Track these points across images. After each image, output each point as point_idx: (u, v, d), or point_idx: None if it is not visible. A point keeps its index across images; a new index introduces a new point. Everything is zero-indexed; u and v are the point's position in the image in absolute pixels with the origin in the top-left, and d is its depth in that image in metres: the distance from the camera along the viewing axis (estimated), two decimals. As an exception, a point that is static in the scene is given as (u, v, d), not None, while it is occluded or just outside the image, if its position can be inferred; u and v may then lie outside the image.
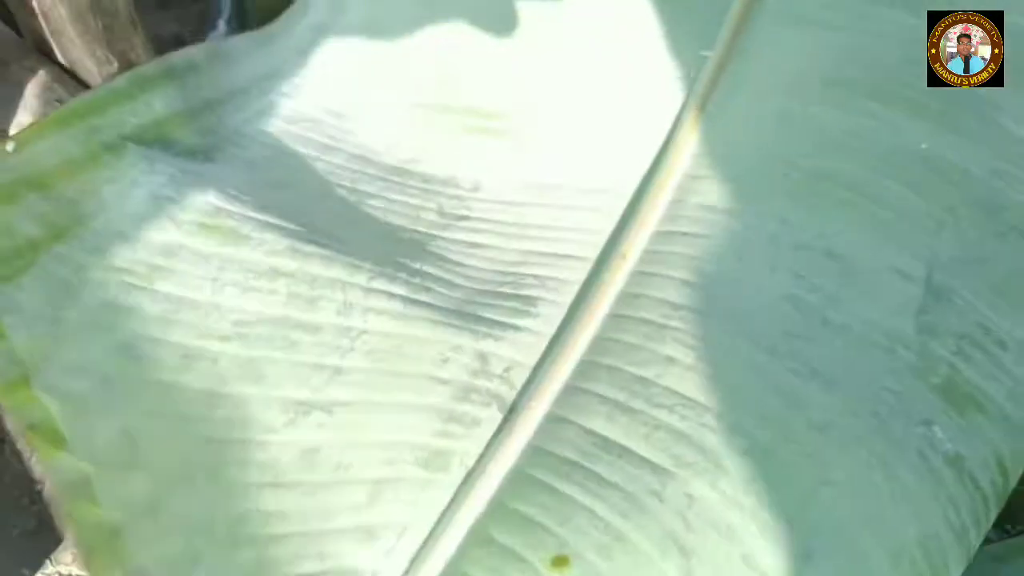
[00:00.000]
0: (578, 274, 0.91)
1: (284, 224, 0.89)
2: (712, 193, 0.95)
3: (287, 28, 1.16)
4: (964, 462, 0.78)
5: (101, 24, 0.89)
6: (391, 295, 0.85)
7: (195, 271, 0.83)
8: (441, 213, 0.99)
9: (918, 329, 0.85)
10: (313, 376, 0.79)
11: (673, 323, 0.85)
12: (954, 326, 0.85)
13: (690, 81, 1.04)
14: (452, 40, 1.12)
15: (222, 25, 1.22)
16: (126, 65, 0.94)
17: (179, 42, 1.63)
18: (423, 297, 0.86)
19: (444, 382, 0.80)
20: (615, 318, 0.86)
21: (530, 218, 0.99)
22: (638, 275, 0.89)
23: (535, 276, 0.92)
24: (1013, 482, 0.81)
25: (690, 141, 0.98)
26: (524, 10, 1.12)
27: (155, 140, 0.94)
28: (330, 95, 1.11)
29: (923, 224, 0.92)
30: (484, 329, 0.85)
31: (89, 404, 0.70)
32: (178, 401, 0.74)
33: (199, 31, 1.64)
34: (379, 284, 0.86)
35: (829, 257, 0.89)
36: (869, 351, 0.83)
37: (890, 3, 1.06)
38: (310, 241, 0.88)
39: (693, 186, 0.95)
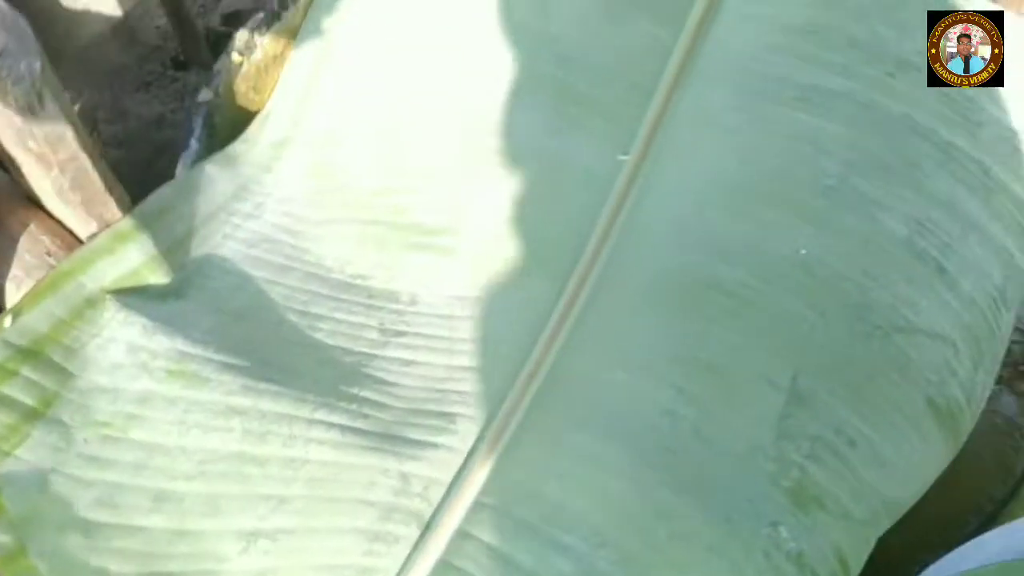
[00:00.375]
0: (495, 389, 1.06)
1: (240, 362, 1.05)
2: (614, 305, 1.08)
3: (249, 146, 1.30)
4: (805, 558, 0.92)
5: (80, 197, 1.04)
6: (330, 425, 1.00)
7: (164, 416, 0.99)
8: (382, 330, 1.13)
9: (777, 435, 0.97)
10: (261, 506, 0.94)
11: (568, 439, 0.99)
12: (810, 429, 0.98)
13: (603, 193, 1.16)
14: (402, 160, 1.24)
15: (194, 143, 1.35)
16: (104, 225, 1.09)
17: (162, 121, 1.81)
18: (359, 424, 1.01)
19: (371, 504, 0.95)
20: (520, 433, 1.01)
21: (460, 331, 1.13)
22: (543, 391, 1.03)
23: (458, 392, 1.06)
24: (856, 569, 0.96)
25: (595, 269, 1.10)
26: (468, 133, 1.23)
27: (131, 288, 1.10)
28: (287, 214, 1.24)
29: (796, 330, 1.03)
30: (408, 451, 1.00)
31: (74, 558, 0.87)
32: (147, 541, 0.90)
33: (179, 109, 1.80)
34: (321, 415, 1.01)
35: (708, 370, 1.02)
36: (731, 462, 0.96)
37: (791, 104, 1.16)
38: (262, 378, 1.03)
39: (597, 305, 1.08)
